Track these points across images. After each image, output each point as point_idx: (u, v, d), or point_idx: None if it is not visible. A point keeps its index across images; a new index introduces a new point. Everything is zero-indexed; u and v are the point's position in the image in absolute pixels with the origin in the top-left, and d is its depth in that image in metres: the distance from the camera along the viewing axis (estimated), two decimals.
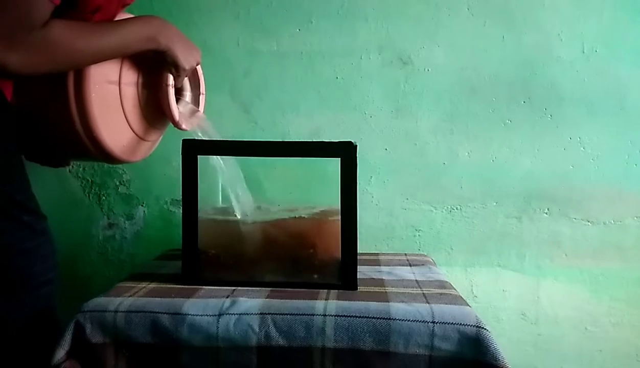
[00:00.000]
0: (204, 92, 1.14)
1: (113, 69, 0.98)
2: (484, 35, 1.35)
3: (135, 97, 1.03)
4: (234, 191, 1.07)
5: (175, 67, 1.02)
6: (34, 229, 0.97)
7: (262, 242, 1.02)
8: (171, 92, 1.03)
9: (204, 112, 1.14)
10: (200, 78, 1.13)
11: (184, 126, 1.06)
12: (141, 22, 0.98)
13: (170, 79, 1.02)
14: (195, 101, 1.13)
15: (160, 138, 1.17)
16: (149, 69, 1.03)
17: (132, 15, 1.05)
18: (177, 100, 1.08)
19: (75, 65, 0.93)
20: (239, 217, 1.04)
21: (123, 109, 1.02)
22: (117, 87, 1.00)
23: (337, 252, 0.97)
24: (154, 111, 1.06)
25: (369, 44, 1.36)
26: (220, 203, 1.10)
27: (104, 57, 0.95)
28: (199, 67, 1.11)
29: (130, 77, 1.02)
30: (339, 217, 0.97)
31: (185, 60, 1.02)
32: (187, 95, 1.12)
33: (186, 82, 1.11)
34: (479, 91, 1.36)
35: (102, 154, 1.02)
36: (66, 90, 0.94)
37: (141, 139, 1.07)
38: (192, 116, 1.10)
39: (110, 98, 0.99)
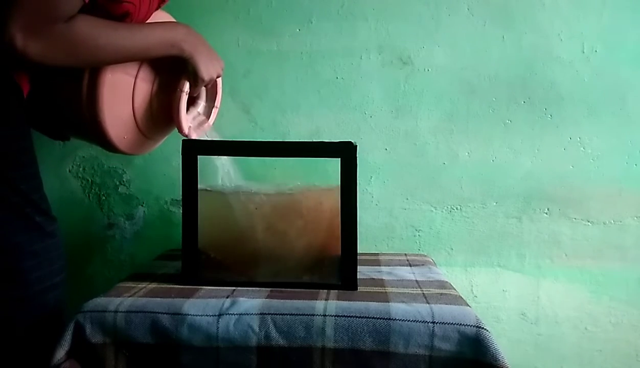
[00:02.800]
0: (219, 106, 1.14)
1: (133, 62, 0.99)
2: (484, 35, 1.35)
3: (147, 94, 1.04)
4: (226, 169, 1.07)
5: (194, 77, 1.02)
6: (44, 231, 0.97)
7: (259, 213, 1.01)
8: (184, 99, 1.03)
9: (213, 123, 1.14)
10: (218, 91, 1.12)
11: (190, 135, 1.06)
12: (167, 28, 0.99)
13: (186, 87, 1.03)
14: (208, 113, 1.13)
15: (163, 140, 1.17)
16: (168, 71, 1.03)
17: (168, 15, 1.06)
18: (189, 108, 1.08)
19: (94, 62, 0.94)
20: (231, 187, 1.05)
21: (133, 102, 1.02)
22: (133, 80, 1.00)
23: (337, 252, 0.97)
24: (163, 113, 1.06)
25: (369, 44, 1.36)
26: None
27: (125, 57, 0.96)
28: (219, 80, 1.11)
29: (147, 74, 1.02)
30: (337, 190, 0.96)
31: (206, 71, 1.02)
32: (201, 104, 1.12)
33: (203, 92, 1.11)
34: (479, 91, 1.36)
35: (101, 140, 1.02)
36: (82, 69, 0.95)
37: (144, 135, 1.08)
38: (199, 126, 1.10)
39: (122, 88, 1.00)
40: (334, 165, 0.97)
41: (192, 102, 1.09)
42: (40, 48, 0.85)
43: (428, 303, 0.89)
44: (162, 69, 1.03)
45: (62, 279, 1.01)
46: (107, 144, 1.03)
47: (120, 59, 0.95)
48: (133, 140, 1.06)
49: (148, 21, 1.00)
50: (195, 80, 1.02)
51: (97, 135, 1.01)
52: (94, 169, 1.42)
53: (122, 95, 1.00)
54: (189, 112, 1.08)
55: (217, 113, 1.14)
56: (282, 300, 0.90)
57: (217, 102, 1.13)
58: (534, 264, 1.38)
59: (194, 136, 1.07)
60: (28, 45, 0.84)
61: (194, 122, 1.09)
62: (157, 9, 1.02)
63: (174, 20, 1.11)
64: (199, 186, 0.99)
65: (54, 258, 0.99)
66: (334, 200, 0.97)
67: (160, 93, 1.05)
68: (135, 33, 0.94)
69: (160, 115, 1.07)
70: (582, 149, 1.36)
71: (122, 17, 0.93)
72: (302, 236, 1.00)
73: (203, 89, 1.09)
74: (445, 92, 1.36)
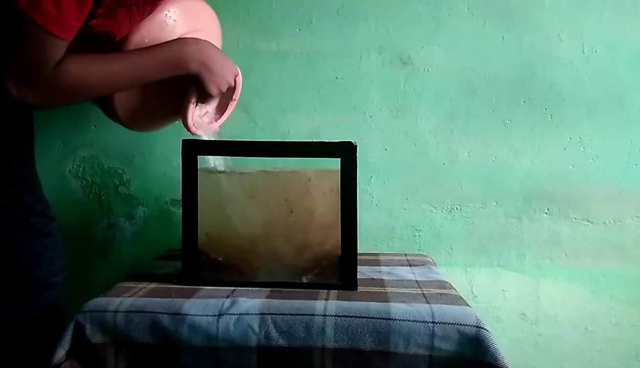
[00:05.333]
0: (237, 99, 1.13)
1: None
2: (484, 35, 1.35)
3: (159, 91, 1.04)
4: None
5: (201, 91, 1.01)
6: (41, 231, 0.98)
7: (258, 190, 1.01)
8: (191, 107, 1.03)
9: (227, 117, 1.14)
10: (238, 85, 1.11)
11: (197, 133, 1.07)
12: (172, 48, 0.96)
13: (194, 98, 1.02)
14: (226, 104, 1.12)
15: (169, 125, 1.18)
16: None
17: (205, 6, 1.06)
18: (200, 102, 1.08)
19: (93, 96, 0.96)
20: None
21: (145, 97, 1.04)
22: None
23: (337, 252, 0.97)
24: (173, 108, 1.06)
25: (369, 44, 1.36)
26: None
27: (126, 86, 0.97)
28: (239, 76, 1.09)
29: None
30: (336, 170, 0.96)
31: (214, 87, 1.01)
32: (215, 101, 1.10)
33: None
34: (479, 91, 1.36)
35: (114, 119, 1.07)
36: None
37: (150, 117, 1.09)
38: (207, 125, 1.10)
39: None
40: (334, 165, 0.97)
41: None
42: (35, 95, 0.86)
43: (428, 303, 0.89)
44: None
45: (63, 278, 1.02)
46: (120, 123, 1.08)
47: (121, 88, 0.96)
48: (144, 125, 1.11)
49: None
50: (203, 94, 1.02)
51: (110, 116, 1.07)
52: (94, 169, 1.41)
53: (134, 91, 1.02)
54: (200, 108, 1.08)
55: (235, 105, 1.14)
56: (282, 300, 0.90)
57: (236, 95, 1.12)
58: (534, 264, 1.38)
59: (199, 134, 1.08)
60: (22, 93, 0.85)
61: (202, 120, 1.09)
62: (149, 13, 1.00)
63: (210, 10, 1.11)
64: (199, 167, 0.99)
65: (52, 258, 0.99)
66: (334, 181, 0.97)
67: (171, 91, 1.04)
68: (132, 62, 0.94)
69: (171, 110, 1.08)
70: (582, 149, 1.36)
71: (104, 36, 0.93)
72: (302, 220, 0.99)
73: None
74: (445, 92, 1.36)
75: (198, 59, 0.97)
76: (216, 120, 1.14)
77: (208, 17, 1.13)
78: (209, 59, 0.98)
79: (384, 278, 1.06)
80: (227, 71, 1.02)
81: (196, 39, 0.99)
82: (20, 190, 0.96)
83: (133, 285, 0.99)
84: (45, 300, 0.99)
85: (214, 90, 1.01)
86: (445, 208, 1.38)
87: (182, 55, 0.96)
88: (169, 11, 1.03)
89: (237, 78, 1.10)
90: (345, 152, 0.96)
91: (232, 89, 1.10)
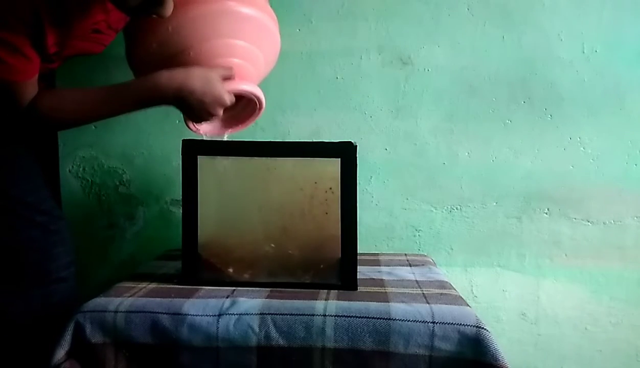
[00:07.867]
0: (262, 107, 1.08)
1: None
2: (484, 35, 1.35)
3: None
4: None
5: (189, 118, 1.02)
6: (48, 229, 1.01)
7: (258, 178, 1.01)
8: (191, 125, 1.05)
9: (244, 128, 1.14)
10: (260, 102, 1.06)
11: (203, 136, 1.08)
12: (146, 83, 0.95)
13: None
14: (248, 114, 1.11)
15: None
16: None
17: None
18: None
19: (75, 127, 1.01)
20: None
21: None
22: None
23: (337, 252, 0.97)
24: None
25: (369, 44, 1.36)
26: None
27: (105, 117, 0.99)
28: (252, 89, 1.04)
29: None
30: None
31: (195, 118, 1.00)
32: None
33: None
34: (479, 91, 1.36)
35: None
36: None
37: None
38: (214, 131, 1.10)
39: None
40: (334, 165, 0.97)
41: None
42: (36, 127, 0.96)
43: (428, 303, 0.89)
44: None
45: (70, 273, 1.05)
46: None
47: (103, 118, 0.99)
48: None
49: None
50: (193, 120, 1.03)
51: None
52: (94, 169, 1.41)
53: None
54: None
55: (260, 114, 1.11)
56: (282, 300, 0.90)
57: (262, 104, 1.07)
58: (534, 264, 1.38)
59: (206, 137, 1.09)
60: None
61: (208, 126, 1.09)
62: (125, 23, 1.00)
63: (278, 43, 1.09)
64: (199, 157, 0.99)
65: (60, 254, 1.03)
66: (334, 181, 0.97)
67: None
68: (106, 97, 0.95)
69: None
70: (582, 149, 1.36)
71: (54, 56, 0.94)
72: (303, 220, 0.99)
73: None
74: (445, 92, 1.36)
75: (171, 94, 0.94)
76: (233, 126, 1.13)
77: (271, 45, 1.09)
78: (185, 92, 0.94)
79: (384, 278, 1.06)
80: (209, 104, 0.96)
81: (171, 71, 0.94)
82: (22, 191, 0.99)
83: (133, 285, 0.99)
84: (53, 293, 1.02)
85: (195, 120, 1.02)
86: (445, 208, 1.38)
87: (155, 90, 0.95)
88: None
89: (257, 93, 1.05)
90: (345, 152, 0.96)
91: (254, 103, 1.07)
